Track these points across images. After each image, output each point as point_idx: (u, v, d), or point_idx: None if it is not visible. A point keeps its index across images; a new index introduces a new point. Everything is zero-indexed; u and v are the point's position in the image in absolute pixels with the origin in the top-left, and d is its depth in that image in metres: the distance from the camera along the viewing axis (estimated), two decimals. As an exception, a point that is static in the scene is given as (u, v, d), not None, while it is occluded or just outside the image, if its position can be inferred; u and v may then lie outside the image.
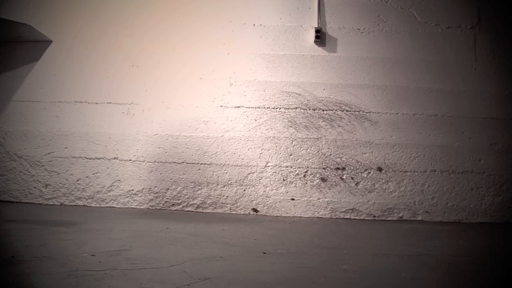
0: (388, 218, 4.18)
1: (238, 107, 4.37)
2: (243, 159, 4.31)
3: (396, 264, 2.38)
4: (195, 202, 4.26)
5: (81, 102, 4.47)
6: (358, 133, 4.29)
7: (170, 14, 4.47)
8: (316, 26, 4.39)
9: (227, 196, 4.27)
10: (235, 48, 4.41)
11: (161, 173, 4.32)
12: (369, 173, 4.25)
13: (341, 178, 4.26)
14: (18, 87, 4.51)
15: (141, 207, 4.29)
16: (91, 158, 4.38)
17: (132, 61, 4.46)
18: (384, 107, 4.31)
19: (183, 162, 4.32)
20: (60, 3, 4.53)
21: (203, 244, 2.74)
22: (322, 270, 2.19)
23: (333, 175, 4.26)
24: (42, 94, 4.48)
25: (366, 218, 4.19)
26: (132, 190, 4.30)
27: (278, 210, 4.23)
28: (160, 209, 4.26)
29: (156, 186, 4.31)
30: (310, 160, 4.28)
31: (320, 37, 4.36)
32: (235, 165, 4.30)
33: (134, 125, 4.39)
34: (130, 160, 4.36)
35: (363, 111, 4.31)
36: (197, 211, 4.24)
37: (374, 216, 4.19)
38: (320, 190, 4.25)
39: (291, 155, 4.30)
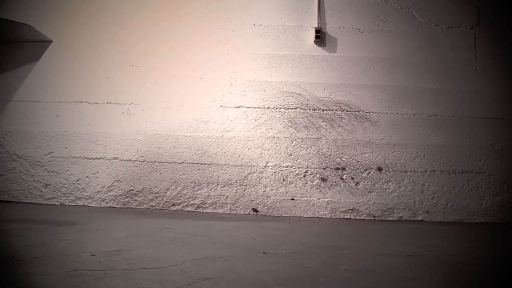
0: (388, 218, 4.18)
1: (238, 107, 4.37)
2: (243, 159, 4.31)
3: (396, 264, 2.38)
4: (195, 202, 4.26)
5: (81, 102, 4.47)
6: (358, 133, 4.29)
7: (170, 14, 4.47)
8: (316, 26, 4.39)
9: (227, 196, 4.27)
10: (235, 48, 4.41)
11: (161, 173, 4.32)
12: (369, 173, 4.25)
13: (341, 178, 4.25)
14: (18, 87, 4.51)
15: (141, 207, 4.29)
16: (91, 158, 4.39)
17: (132, 61, 4.46)
18: (384, 107, 4.31)
19: (183, 162, 4.32)
20: (60, 3, 4.53)
21: (203, 244, 2.74)
22: (322, 270, 2.19)
23: (333, 175, 4.26)
24: (42, 94, 4.48)
25: (366, 218, 4.19)
26: (132, 190, 4.30)
27: (278, 210, 4.23)
28: (160, 209, 4.26)
29: (156, 186, 4.31)
30: (310, 160, 4.28)
31: (320, 37, 4.36)
32: (235, 165, 4.30)
33: (134, 125, 4.39)
34: (130, 160, 4.36)
35: (363, 111, 4.31)
36: (197, 211, 4.24)
37: (374, 216, 4.19)
38: (320, 190, 4.24)
39: (291, 155, 4.30)
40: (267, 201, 4.25)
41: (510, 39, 4.30)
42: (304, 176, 4.26)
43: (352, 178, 4.25)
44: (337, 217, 4.21)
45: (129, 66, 4.45)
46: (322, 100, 4.34)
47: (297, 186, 4.26)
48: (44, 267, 1.99)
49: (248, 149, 4.32)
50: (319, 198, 4.24)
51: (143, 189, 4.31)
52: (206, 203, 4.25)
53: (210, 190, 4.26)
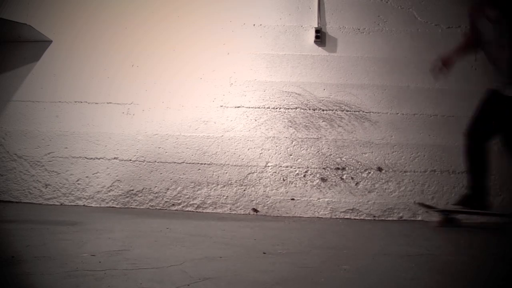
0: (388, 218, 4.18)
1: (238, 107, 4.37)
2: (243, 159, 4.31)
3: (396, 264, 2.38)
4: (195, 202, 4.26)
5: (81, 102, 4.47)
6: (358, 133, 4.29)
7: (170, 14, 4.47)
8: (316, 26, 4.39)
9: (227, 196, 4.27)
10: (235, 48, 4.41)
11: (161, 173, 4.32)
12: (369, 173, 4.25)
13: (341, 178, 4.25)
14: (18, 87, 4.51)
15: (141, 207, 4.29)
16: (91, 158, 4.39)
17: (132, 61, 4.46)
18: (384, 107, 4.31)
19: (183, 162, 4.32)
20: (60, 3, 4.53)
21: (203, 244, 2.74)
22: (322, 270, 2.19)
23: (333, 175, 4.26)
24: (42, 94, 4.48)
25: (366, 218, 4.19)
26: (132, 190, 4.30)
27: (278, 210, 4.23)
28: (160, 209, 4.26)
29: (156, 186, 4.31)
30: (310, 160, 4.28)
31: (320, 37, 4.36)
32: (235, 165, 4.30)
33: (134, 125, 4.39)
34: (130, 160, 4.36)
35: (363, 111, 4.31)
36: (197, 211, 4.24)
37: (374, 216, 4.19)
38: (320, 190, 4.24)
39: (291, 155, 4.30)
40: (267, 201, 4.25)
41: (510, 39, 4.29)
42: (304, 176, 4.26)
43: (352, 178, 4.25)
44: (337, 217, 4.21)
45: (129, 66, 4.45)
46: (322, 100, 4.34)
47: (297, 186, 4.26)
48: (44, 267, 1.99)
49: (248, 149, 4.32)
50: (319, 198, 4.24)
51: (143, 189, 4.31)
52: (206, 203, 4.25)
53: (210, 190, 4.26)
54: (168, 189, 4.29)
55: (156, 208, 4.27)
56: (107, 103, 4.43)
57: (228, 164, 4.31)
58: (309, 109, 4.33)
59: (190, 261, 2.25)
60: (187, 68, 4.41)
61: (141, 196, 4.30)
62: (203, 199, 4.26)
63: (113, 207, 4.30)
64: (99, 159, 4.37)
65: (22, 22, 4.14)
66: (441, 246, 3.03)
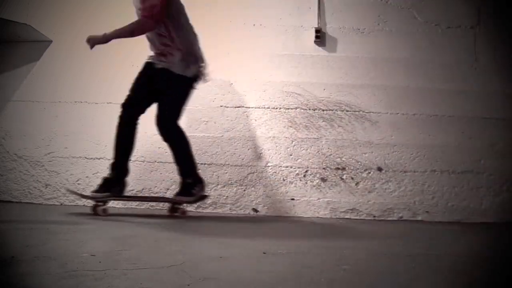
0: (388, 218, 4.18)
1: (238, 107, 4.37)
2: (243, 159, 4.31)
3: (396, 264, 2.38)
4: (195, 202, 4.26)
5: (81, 102, 4.47)
6: (358, 133, 4.29)
7: (170, 14, 4.46)
8: (316, 26, 4.38)
9: (227, 196, 4.27)
10: (235, 48, 4.40)
11: (161, 173, 4.32)
12: (369, 173, 4.25)
13: (341, 178, 4.25)
14: (18, 87, 4.50)
15: (141, 207, 4.29)
16: (91, 158, 4.38)
17: (132, 61, 4.44)
18: (384, 107, 4.31)
19: (183, 162, 4.31)
20: (60, 3, 4.53)
21: (203, 244, 2.74)
22: (322, 270, 2.19)
23: (333, 175, 4.26)
24: (42, 94, 4.48)
25: (366, 218, 4.19)
26: (132, 190, 4.30)
27: (278, 210, 4.23)
28: (160, 209, 4.26)
29: (156, 186, 4.31)
30: (310, 160, 4.28)
31: (320, 37, 4.36)
32: (235, 165, 4.30)
33: (134, 125, 4.38)
34: (130, 160, 4.34)
35: (363, 111, 4.31)
36: (197, 211, 4.24)
37: (374, 216, 4.19)
38: (320, 190, 4.24)
39: (291, 155, 4.30)
40: (267, 201, 4.25)
41: (510, 39, 4.30)
42: (304, 176, 4.26)
43: (352, 178, 4.25)
44: (337, 217, 4.21)
45: (129, 66, 4.44)
46: (322, 100, 4.34)
47: (297, 186, 4.26)
48: (44, 267, 1.99)
49: (248, 149, 4.32)
50: (319, 198, 4.24)
51: (143, 189, 4.31)
52: (206, 203, 4.25)
53: (210, 190, 4.25)
54: (168, 189, 4.29)
55: (156, 208, 4.27)
56: (107, 103, 4.42)
57: (228, 164, 4.31)
58: (309, 109, 4.33)
59: (190, 261, 2.25)
60: (187, 68, 4.40)
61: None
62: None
63: (113, 207, 4.30)
64: (99, 159, 4.37)
65: (22, 22, 4.14)
66: (441, 246, 3.03)
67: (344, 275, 2.11)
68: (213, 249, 2.60)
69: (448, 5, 4.37)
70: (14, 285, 1.78)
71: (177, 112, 3.72)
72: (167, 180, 4.30)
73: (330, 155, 4.28)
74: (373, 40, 4.37)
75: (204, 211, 4.25)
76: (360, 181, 4.24)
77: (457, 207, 4.17)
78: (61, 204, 4.34)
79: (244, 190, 4.27)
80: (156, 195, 4.29)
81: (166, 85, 3.69)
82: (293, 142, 4.31)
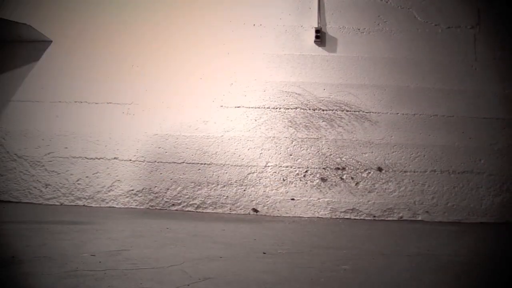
0: (388, 218, 4.18)
1: (238, 107, 4.37)
2: (243, 159, 4.31)
3: (396, 264, 2.38)
4: (195, 202, 4.26)
5: (81, 102, 4.47)
6: (358, 133, 4.29)
7: (170, 14, 4.47)
8: (316, 26, 4.39)
9: (227, 196, 4.27)
10: (235, 48, 4.41)
11: (161, 173, 4.32)
12: (369, 173, 4.25)
13: (341, 178, 4.25)
14: (18, 87, 4.51)
15: (141, 207, 4.29)
16: (91, 158, 4.39)
17: (132, 61, 4.46)
18: (384, 107, 4.31)
19: (183, 162, 4.32)
20: (60, 3, 4.53)
21: (203, 244, 2.74)
22: (322, 270, 2.19)
23: (333, 175, 4.26)
24: (42, 94, 4.48)
25: (366, 218, 4.19)
26: (132, 190, 4.30)
27: (278, 210, 4.23)
28: (160, 209, 4.26)
29: (156, 186, 4.31)
30: (310, 160, 4.28)
31: (320, 37, 4.36)
32: (235, 165, 4.30)
33: (134, 125, 4.39)
34: (130, 160, 4.35)
35: (363, 111, 4.31)
36: (197, 211, 4.24)
37: (374, 216, 4.19)
38: (320, 190, 4.24)
39: (291, 155, 4.30)
40: (267, 201, 4.25)
41: (510, 39, 4.30)
42: (304, 176, 4.26)
43: (352, 178, 4.25)
44: (337, 217, 4.21)
45: (129, 66, 4.45)
46: (322, 100, 4.34)
47: (297, 186, 4.26)
48: (44, 267, 1.99)
49: (248, 149, 4.32)
50: (319, 198, 4.24)
51: (143, 189, 4.31)
52: (206, 203, 4.25)
53: (210, 190, 4.26)
54: (168, 189, 4.29)
55: (156, 208, 4.27)
56: (107, 103, 4.43)
57: (228, 164, 4.31)
58: (309, 109, 4.33)
59: (190, 261, 2.25)
60: (187, 68, 4.41)
61: (141, 196, 4.30)
62: (203, 199, 4.26)
63: (113, 207, 4.30)
64: (99, 159, 4.37)
65: (22, 22, 4.14)
66: (441, 246, 3.03)
67: (344, 275, 2.11)
68: (213, 249, 2.60)
69: (448, 5, 4.37)
70: (14, 285, 1.78)
71: None
72: (167, 180, 4.30)
73: (330, 155, 4.28)
74: (373, 40, 4.37)
75: (204, 211, 4.25)
76: (360, 181, 4.24)
77: (457, 207, 4.17)
78: (61, 204, 4.34)
79: (244, 190, 4.27)
80: (156, 195, 4.29)
81: None
82: (293, 142, 4.31)
